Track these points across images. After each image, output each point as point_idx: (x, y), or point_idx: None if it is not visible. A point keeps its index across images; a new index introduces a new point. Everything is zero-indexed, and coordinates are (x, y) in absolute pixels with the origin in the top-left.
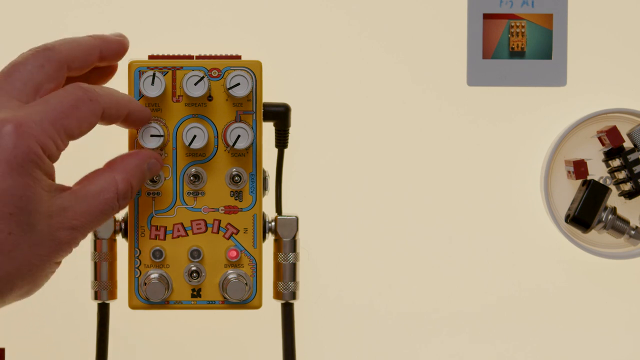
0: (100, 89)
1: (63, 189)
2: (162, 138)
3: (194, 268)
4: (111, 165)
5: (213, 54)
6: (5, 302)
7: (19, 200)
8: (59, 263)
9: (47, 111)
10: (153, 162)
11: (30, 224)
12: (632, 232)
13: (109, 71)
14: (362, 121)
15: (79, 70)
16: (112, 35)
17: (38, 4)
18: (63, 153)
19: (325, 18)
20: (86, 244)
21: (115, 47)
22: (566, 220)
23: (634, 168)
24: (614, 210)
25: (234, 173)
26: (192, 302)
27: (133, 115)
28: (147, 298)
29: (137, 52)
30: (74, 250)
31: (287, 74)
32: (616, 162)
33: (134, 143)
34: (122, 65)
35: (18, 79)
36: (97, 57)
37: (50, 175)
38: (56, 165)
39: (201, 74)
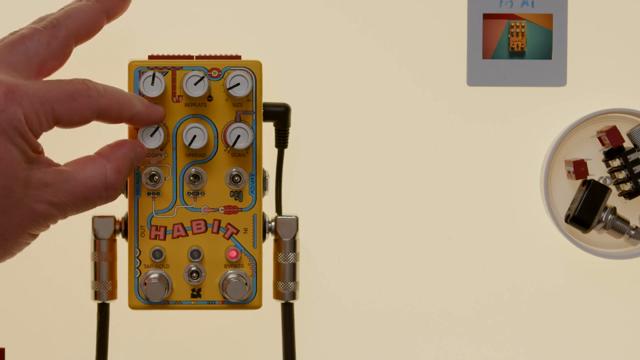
0: (105, 88)
1: (49, 163)
2: (161, 138)
3: (194, 268)
4: (102, 154)
5: (213, 54)
6: None
7: None
8: (34, 235)
9: (42, 90)
10: (139, 151)
11: (7, 189)
12: (632, 232)
13: None
14: (362, 121)
15: (86, 38)
16: None
17: (38, 3)
18: (62, 145)
19: (325, 18)
20: (86, 243)
21: (119, 4)
22: (566, 220)
23: (634, 168)
24: (614, 210)
25: (234, 173)
26: (192, 302)
27: (138, 118)
28: (147, 298)
29: (137, 52)
30: (76, 250)
31: (287, 74)
32: (616, 162)
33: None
34: (122, 65)
35: (22, 53)
36: (104, 21)
37: (35, 148)
38: (52, 151)
39: (201, 74)
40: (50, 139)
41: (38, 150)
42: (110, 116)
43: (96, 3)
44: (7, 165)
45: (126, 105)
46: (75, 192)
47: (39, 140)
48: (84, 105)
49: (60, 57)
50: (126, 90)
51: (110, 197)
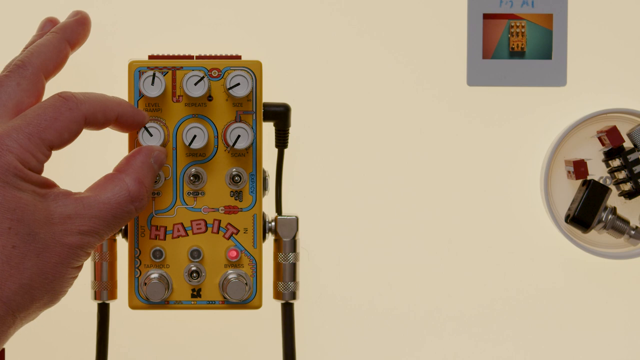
0: (84, 95)
1: (67, 194)
2: (162, 138)
3: (194, 268)
4: (119, 169)
5: (213, 54)
6: (30, 314)
7: (13, 213)
8: (78, 267)
9: (23, 126)
10: (157, 154)
11: (32, 234)
12: (632, 232)
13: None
14: (362, 121)
15: (55, 70)
16: (70, 19)
17: (37, 4)
18: (66, 158)
19: (325, 18)
20: None
21: (79, 30)
22: (566, 220)
23: (634, 168)
24: (614, 210)
25: (234, 173)
26: (192, 302)
27: (124, 118)
28: (147, 298)
29: (137, 52)
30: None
31: (287, 74)
32: (616, 162)
33: (134, 143)
34: (122, 65)
35: None
36: (69, 50)
37: (43, 184)
38: (62, 169)
39: (201, 74)
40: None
41: (48, 185)
42: (97, 120)
43: (57, 35)
44: (22, 213)
45: (109, 106)
46: (102, 215)
47: (50, 175)
48: (69, 119)
49: (35, 93)
50: (125, 91)
51: (138, 208)
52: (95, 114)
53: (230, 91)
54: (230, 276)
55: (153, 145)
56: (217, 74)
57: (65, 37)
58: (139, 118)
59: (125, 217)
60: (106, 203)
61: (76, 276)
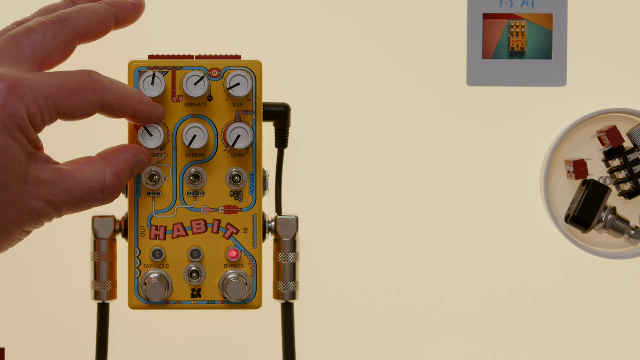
0: (111, 83)
1: (48, 161)
2: (162, 138)
3: (194, 268)
4: (103, 156)
5: (213, 54)
6: None
7: None
8: (27, 232)
9: (47, 84)
10: (142, 158)
11: (5, 184)
12: (632, 232)
13: None
14: (362, 121)
15: (92, 39)
16: None
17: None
18: (63, 139)
19: (325, 18)
20: (87, 243)
21: (131, 13)
22: (566, 220)
23: (634, 168)
24: (614, 210)
25: (234, 173)
26: (192, 302)
27: (138, 116)
28: (147, 298)
29: (137, 52)
30: (76, 250)
31: (287, 74)
32: (616, 162)
33: (134, 141)
34: (122, 65)
35: (27, 46)
36: (112, 26)
37: (34, 144)
38: (53, 148)
39: (201, 74)
40: (53, 135)
41: (38, 146)
42: (113, 111)
43: (109, 7)
44: (6, 161)
45: (130, 102)
46: (72, 191)
47: (40, 136)
48: (88, 100)
49: (64, 52)
50: None
51: (106, 199)
52: (114, 105)
53: (230, 91)
54: (230, 276)
55: (142, 148)
56: (217, 74)
57: (115, 13)
58: (153, 117)
59: (91, 203)
60: (80, 182)
61: (21, 239)
